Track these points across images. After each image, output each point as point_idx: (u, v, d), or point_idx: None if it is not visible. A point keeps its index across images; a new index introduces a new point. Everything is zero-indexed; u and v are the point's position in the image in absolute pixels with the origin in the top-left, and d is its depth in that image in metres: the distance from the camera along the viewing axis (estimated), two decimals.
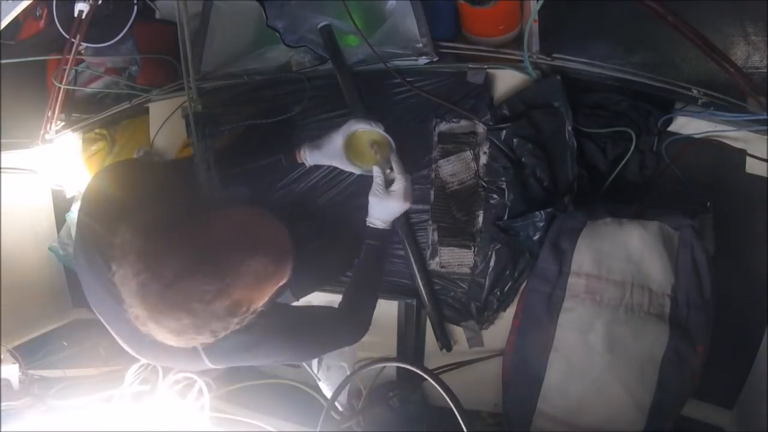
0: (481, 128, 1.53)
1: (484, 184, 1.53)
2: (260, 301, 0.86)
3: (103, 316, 1.15)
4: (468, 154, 1.54)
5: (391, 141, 1.38)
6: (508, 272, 1.53)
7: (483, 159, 1.53)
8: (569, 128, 1.47)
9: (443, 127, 1.56)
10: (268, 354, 1.14)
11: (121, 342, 1.20)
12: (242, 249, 0.81)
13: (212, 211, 0.85)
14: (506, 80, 1.54)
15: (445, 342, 1.62)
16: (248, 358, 1.12)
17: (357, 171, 1.43)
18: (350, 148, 1.40)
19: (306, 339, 1.20)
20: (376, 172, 1.35)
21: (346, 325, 1.28)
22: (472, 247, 1.55)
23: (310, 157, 1.42)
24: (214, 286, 0.77)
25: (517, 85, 1.53)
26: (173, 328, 0.79)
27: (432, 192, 1.57)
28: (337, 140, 1.37)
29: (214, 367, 1.10)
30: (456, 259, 1.57)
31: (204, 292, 0.77)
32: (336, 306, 1.32)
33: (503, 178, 1.50)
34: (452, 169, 1.56)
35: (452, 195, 1.56)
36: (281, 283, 0.88)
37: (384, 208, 1.35)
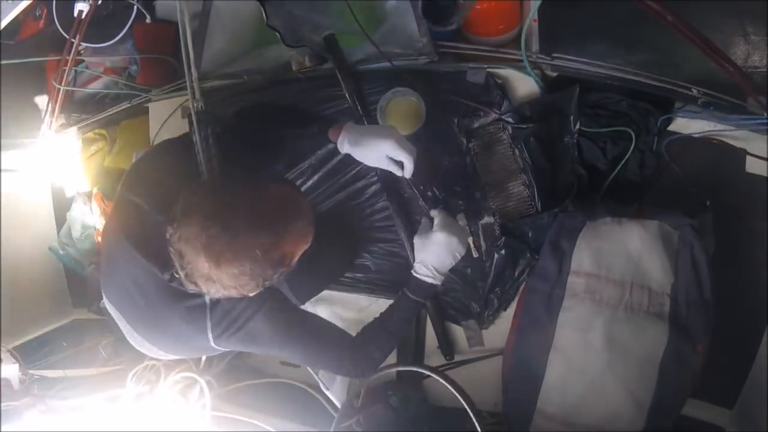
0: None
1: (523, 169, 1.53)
2: (298, 255, 1.03)
3: (121, 306, 1.21)
4: (505, 145, 1.55)
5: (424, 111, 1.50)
6: (507, 272, 1.53)
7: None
8: (572, 138, 1.49)
9: (471, 123, 1.56)
10: (270, 344, 1.17)
11: (132, 334, 1.26)
12: (289, 212, 0.99)
13: (266, 182, 1.02)
14: (524, 83, 1.55)
15: (448, 350, 1.62)
16: (249, 343, 1.16)
17: (399, 173, 1.30)
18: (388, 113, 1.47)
19: (307, 346, 1.22)
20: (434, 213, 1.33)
21: (351, 359, 1.23)
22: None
23: (347, 146, 1.29)
24: (271, 238, 0.94)
25: (531, 88, 1.54)
26: (234, 273, 0.93)
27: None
28: (380, 144, 1.25)
29: (218, 348, 1.18)
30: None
31: (263, 243, 0.93)
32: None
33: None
34: (491, 158, 1.56)
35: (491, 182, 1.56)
36: (308, 245, 1.04)
37: (435, 247, 1.26)
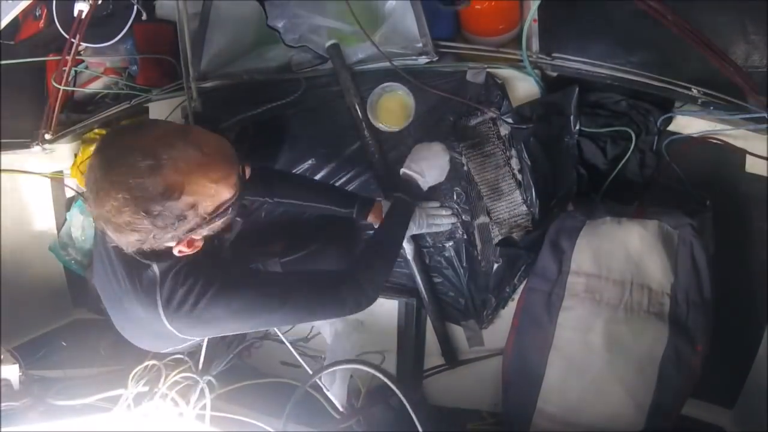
0: (504, 128, 1.54)
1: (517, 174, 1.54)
2: (200, 197, 0.92)
3: (103, 294, 1.21)
4: (495, 144, 1.56)
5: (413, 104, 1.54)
6: (506, 274, 1.54)
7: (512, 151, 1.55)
8: (572, 139, 1.49)
9: (467, 123, 1.56)
10: (233, 323, 1.08)
11: (112, 316, 1.27)
12: (176, 138, 0.90)
13: (163, 122, 1.00)
14: (524, 83, 1.55)
15: (451, 358, 1.62)
16: (207, 327, 1.07)
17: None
18: (380, 109, 1.51)
19: (292, 308, 1.10)
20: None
21: (350, 292, 1.14)
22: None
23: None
24: (146, 162, 0.86)
25: (531, 88, 1.55)
26: (114, 206, 0.87)
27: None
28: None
29: (178, 334, 1.08)
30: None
31: (139, 168, 0.86)
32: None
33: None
34: (483, 160, 1.57)
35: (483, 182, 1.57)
36: (225, 195, 0.95)
37: (428, 152, 1.37)
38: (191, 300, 1.02)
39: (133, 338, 1.33)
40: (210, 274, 1.04)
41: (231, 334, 1.15)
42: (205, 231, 0.99)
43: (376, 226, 1.43)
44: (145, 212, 0.88)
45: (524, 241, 1.50)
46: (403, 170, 1.39)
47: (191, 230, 0.95)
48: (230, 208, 0.99)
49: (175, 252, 0.99)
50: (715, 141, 1.49)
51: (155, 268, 1.03)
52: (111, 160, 0.88)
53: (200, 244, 1.01)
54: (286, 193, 1.48)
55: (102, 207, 0.89)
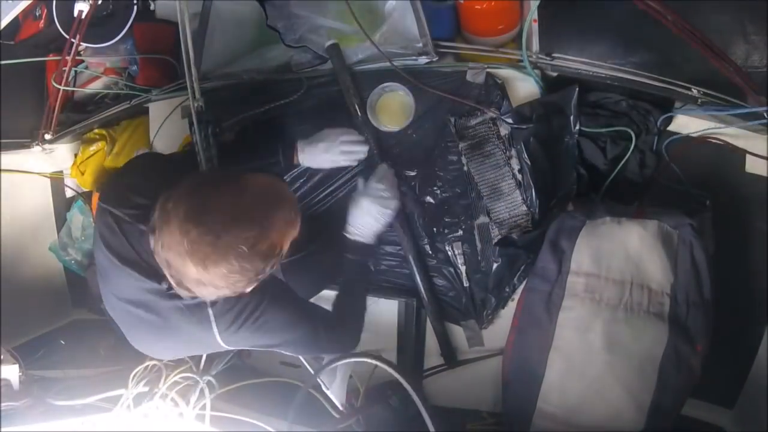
0: (504, 128, 1.54)
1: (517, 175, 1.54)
2: (287, 244, 1.01)
3: (120, 317, 1.20)
4: (494, 144, 1.55)
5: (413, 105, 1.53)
6: (506, 274, 1.54)
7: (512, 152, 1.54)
8: (572, 139, 1.49)
9: (467, 123, 1.56)
10: (282, 331, 1.18)
11: (136, 341, 1.26)
12: (270, 201, 0.98)
13: (240, 175, 1.00)
14: (524, 83, 1.54)
15: (451, 358, 1.62)
16: (260, 334, 1.15)
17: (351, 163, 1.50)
18: (381, 109, 1.51)
19: (304, 330, 1.22)
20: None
21: (328, 339, 1.28)
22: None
23: (305, 160, 1.45)
24: (255, 231, 0.93)
25: (531, 89, 1.54)
26: (223, 273, 0.92)
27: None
28: (324, 151, 1.44)
29: (225, 345, 1.16)
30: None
31: (247, 237, 0.92)
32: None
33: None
34: (482, 160, 1.57)
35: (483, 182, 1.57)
36: (297, 232, 1.03)
37: (359, 211, 1.38)
38: (247, 312, 1.10)
39: (166, 354, 1.36)
40: (266, 289, 1.10)
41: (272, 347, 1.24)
42: None
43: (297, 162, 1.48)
44: (254, 272, 0.96)
45: (523, 241, 1.49)
46: (344, 234, 1.40)
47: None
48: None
49: (248, 289, 1.03)
50: (715, 141, 1.49)
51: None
52: (217, 231, 0.90)
53: None
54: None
55: (208, 273, 0.92)
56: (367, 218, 1.38)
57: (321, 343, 1.28)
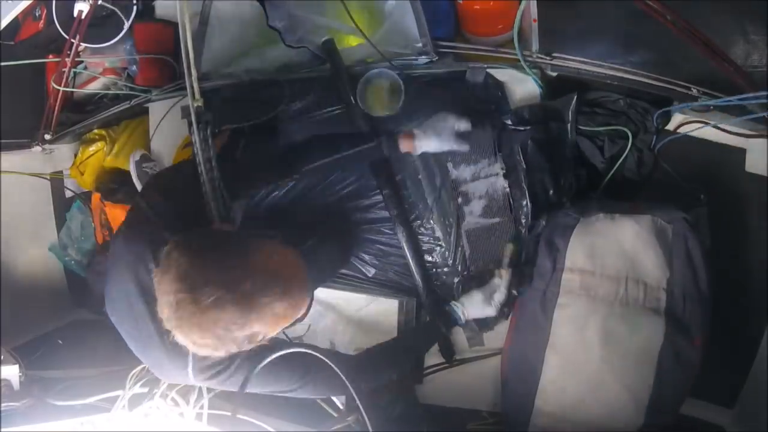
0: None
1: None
2: (273, 333, 0.96)
3: (117, 315, 1.16)
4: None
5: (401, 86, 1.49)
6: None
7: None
8: (569, 147, 1.50)
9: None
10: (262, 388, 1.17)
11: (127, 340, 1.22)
12: (271, 293, 0.90)
13: (253, 246, 0.96)
14: (524, 83, 1.55)
15: (449, 353, 1.62)
16: (238, 387, 1.12)
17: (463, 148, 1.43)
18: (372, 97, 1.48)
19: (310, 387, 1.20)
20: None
21: (354, 379, 1.20)
22: None
23: (423, 144, 1.38)
24: (241, 320, 0.88)
25: (531, 88, 1.55)
26: (195, 340, 0.90)
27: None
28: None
29: (196, 383, 1.16)
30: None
31: (230, 322, 0.88)
32: None
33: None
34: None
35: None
36: (289, 323, 0.97)
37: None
38: (223, 375, 1.09)
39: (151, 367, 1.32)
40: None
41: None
42: None
43: (412, 152, 1.41)
44: (225, 351, 0.92)
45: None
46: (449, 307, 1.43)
47: None
48: None
49: None
50: (714, 141, 1.49)
51: None
52: (201, 304, 0.86)
53: None
54: (310, 156, 1.36)
55: (183, 334, 0.90)
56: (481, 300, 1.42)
57: (311, 395, 1.26)
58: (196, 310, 0.87)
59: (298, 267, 0.97)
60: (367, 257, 1.64)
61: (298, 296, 0.95)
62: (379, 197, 1.58)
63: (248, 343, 0.92)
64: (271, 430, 1.54)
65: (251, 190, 1.40)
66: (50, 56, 1.88)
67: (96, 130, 1.99)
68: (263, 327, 0.91)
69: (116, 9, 1.73)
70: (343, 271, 1.65)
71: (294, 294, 0.94)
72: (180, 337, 0.91)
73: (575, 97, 1.47)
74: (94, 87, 1.99)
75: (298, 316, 0.97)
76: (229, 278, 0.89)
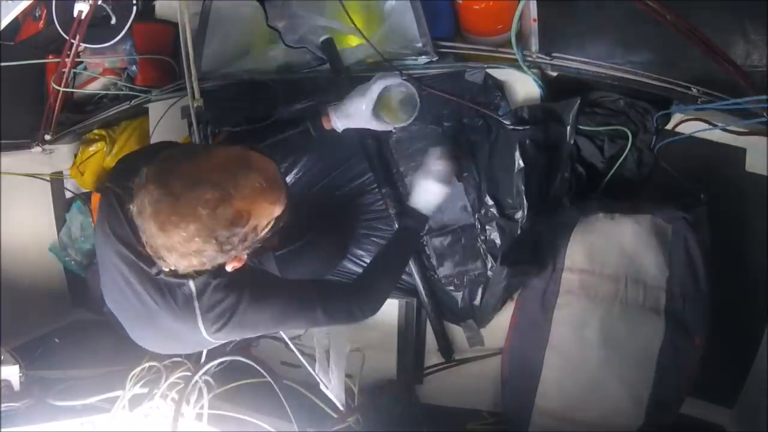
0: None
1: None
2: (260, 219, 0.96)
3: (117, 306, 1.20)
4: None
5: (417, 100, 1.43)
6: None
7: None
8: (567, 149, 1.49)
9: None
10: (265, 326, 1.18)
11: (130, 330, 1.26)
12: (238, 167, 0.94)
13: (217, 145, 1.01)
14: (524, 83, 1.55)
15: (447, 351, 1.62)
16: (243, 331, 1.15)
17: (390, 128, 1.44)
18: (381, 105, 1.40)
19: (307, 313, 1.19)
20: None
21: (358, 304, 1.24)
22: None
23: (339, 123, 1.38)
24: (216, 194, 0.89)
25: (531, 88, 1.55)
26: (183, 236, 0.90)
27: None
28: (361, 104, 1.35)
29: (215, 342, 1.16)
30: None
31: (207, 200, 0.89)
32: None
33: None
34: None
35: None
36: (277, 212, 0.99)
37: (420, 188, 1.36)
38: (230, 311, 1.08)
39: (157, 348, 1.34)
40: (245, 286, 1.09)
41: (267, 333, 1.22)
42: (258, 245, 1.02)
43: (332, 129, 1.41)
44: (215, 239, 0.92)
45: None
46: (408, 204, 1.39)
47: (248, 248, 0.99)
48: (280, 222, 1.02)
49: (228, 268, 1.02)
50: (714, 140, 1.49)
51: (191, 285, 1.06)
52: (177, 192, 0.89)
53: (245, 257, 1.03)
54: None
55: (169, 237, 0.91)
56: (427, 195, 1.37)
57: (320, 323, 1.23)
58: (173, 200, 0.88)
59: (257, 153, 1.01)
60: (366, 256, 1.64)
61: (269, 172, 0.97)
62: (378, 196, 1.58)
63: (236, 227, 0.92)
64: (271, 430, 1.54)
65: None
66: (50, 56, 1.88)
67: (96, 131, 1.99)
68: (245, 203, 0.92)
69: (114, 10, 1.73)
70: (343, 270, 1.65)
71: (263, 169, 0.97)
72: (169, 242, 0.91)
73: (578, 102, 1.47)
74: (94, 87, 1.99)
75: (280, 197, 0.98)
76: (195, 164, 0.92)
